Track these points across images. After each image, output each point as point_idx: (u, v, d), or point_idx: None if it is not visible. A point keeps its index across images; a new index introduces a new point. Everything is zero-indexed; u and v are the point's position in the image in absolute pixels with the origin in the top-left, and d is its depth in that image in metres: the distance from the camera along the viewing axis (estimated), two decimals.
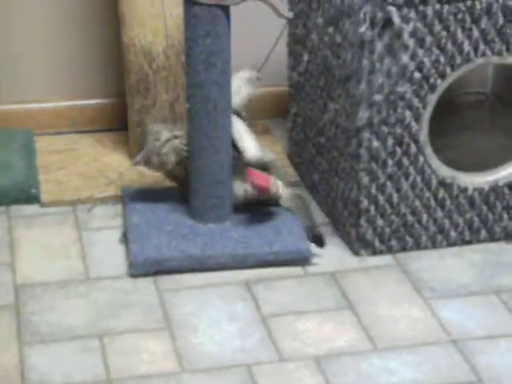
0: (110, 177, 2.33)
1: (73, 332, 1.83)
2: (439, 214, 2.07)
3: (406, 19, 1.91)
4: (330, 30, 2.06)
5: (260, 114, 2.57)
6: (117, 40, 2.38)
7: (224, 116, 2.06)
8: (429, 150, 2.03)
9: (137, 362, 1.77)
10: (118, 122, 2.49)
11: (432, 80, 1.97)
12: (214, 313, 1.89)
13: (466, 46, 1.96)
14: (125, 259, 2.04)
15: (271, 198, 2.08)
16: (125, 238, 2.09)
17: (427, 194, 2.05)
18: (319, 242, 2.07)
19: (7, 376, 1.72)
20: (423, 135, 2.01)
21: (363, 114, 1.97)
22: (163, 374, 1.74)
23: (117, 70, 2.46)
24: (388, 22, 1.91)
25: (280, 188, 2.07)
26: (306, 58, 2.21)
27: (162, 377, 1.73)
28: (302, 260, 2.04)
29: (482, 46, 1.96)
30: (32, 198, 2.23)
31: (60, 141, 2.47)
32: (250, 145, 2.11)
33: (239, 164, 2.08)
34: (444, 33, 1.94)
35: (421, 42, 1.93)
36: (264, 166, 2.08)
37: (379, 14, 1.90)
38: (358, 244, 2.06)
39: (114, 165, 2.38)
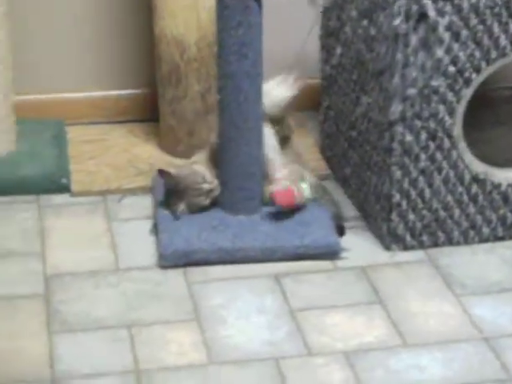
0: (141, 167, 2.33)
1: (101, 322, 1.83)
2: (472, 209, 2.04)
3: (441, 12, 1.89)
4: (364, 22, 2.04)
5: (293, 107, 2.55)
6: (149, 30, 2.38)
7: (255, 107, 2.05)
8: (462, 145, 2.00)
9: (165, 353, 1.76)
10: (150, 113, 2.48)
11: (467, 74, 1.94)
12: (243, 305, 1.89)
13: (503, 41, 1.94)
14: (154, 250, 2.04)
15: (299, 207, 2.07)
16: (155, 229, 2.08)
17: (460, 189, 2.03)
18: (340, 230, 2.06)
19: (36, 365, 1.73)
20: (457, 130, 1.99)
21: (396, 108, 1.95)
22: (191, 366, 1.73)
23: (149, 60, 2.45)
24: (423, 16, 1.88)
25: (304, 192, 2.06)
26: (339, 51, 2.20)
27: (189, 368, 1.73)
28: (332, 254, 2.02)
29: None
30: (62, 188, 2.24)
31: (91, 131, 2.47)
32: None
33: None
34: (480, 26, 1.91)
35: (456, 36, 1.91)
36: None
37: (414, 7, 1.88)
38: (389, 239, 2.04)
39: (145, 156, 2.37)
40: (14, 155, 2.31)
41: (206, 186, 2.05)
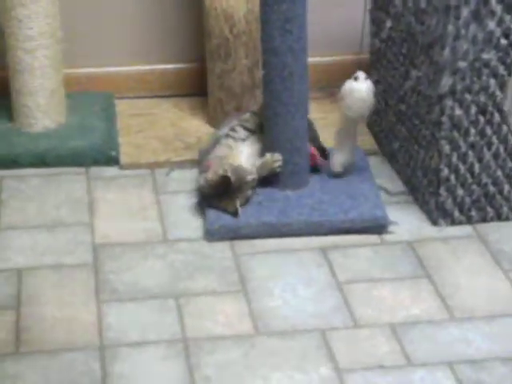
0: (188, 141, 2.34)
1: (149, 292, 1.85)
2: None
3: None
4: None
5: (340, 82, 2.54)
6: (198, 4, 2.38)
7: (300, 82, 2.04)
8: None
9: (212, 323, 1.78)
10: (197, 87, 2.49)
11: None
12: (290, 277, 1.89)
13: None
14: (202, 223, 2.05)
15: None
16: (202, 203, 2.09)
17: (510, 164, 2.01)
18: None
19: (85, 332, 1.75)
20: (508, 104, 1.96)
21: (446, 82, 1.93)
22: (238, 336, 1.74)
23: (197, 34, 2.46)
24: None
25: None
26: (388, 24, 2.18)
27: (236, 338, 1.74)
28: (379, 228, 2.02)
29: None
30: (111, 160, 2.26)
31: (140, 105, 2.49)
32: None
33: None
34: None
35: (508, 8, 1.89)
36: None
37: None
38: (437, 213, 2.03)
39: (192, 130, 2.38)
40: (64, 128, 2.34)
41: (250, 178, 2.04)
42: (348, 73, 2.54)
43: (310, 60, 2.12)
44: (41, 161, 2.25)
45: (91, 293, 1.85)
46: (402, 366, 1.67)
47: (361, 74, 2.08)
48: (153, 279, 1.89)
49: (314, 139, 2.16)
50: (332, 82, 2.53)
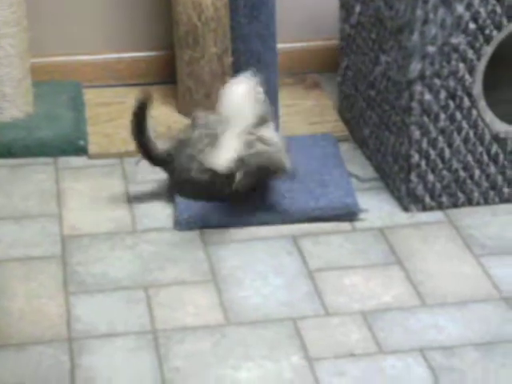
0: (158, 130, 2.31)
1: (118, 283, 1.83)
2: (492, 169, 2.02)
3: None
4: None
5: (310, 68, 2.54)
6: None
7: (269, 70, 2.02)
8: (482, 104, 1.97)
9: (182, 313, 1.76)
10: (167, 76, 2.47)
11: (487, 31, 1.91)
12: (260, 266, 1.88)
13: None
14: (171, 212, 2.03)
15: None
16: (170, 192, 2.07)
17: (480, 149, 2.00)
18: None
19: (53, 325, 1.73)
20: (477, 88, 1.96)
21: (415, 67, 1.92)
22: (208, 327, 1.73)
23: (166, 22, 2.43)
24: None
25: None
26: (358, 9, 2.17)
27: (207, 329, 1.72)
28: (350, 215, 2.01)
29: None
30: (80, 150, 2.23)
31: (108, 93, 2.46)
32: (224, 154, 1.95)
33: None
34: None
35: None
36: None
37: None
38: (408, 199, 2.02)
39: (162, 118, 2.36)
40: (31, 117, 2.31)
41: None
42: (318, 59, 2.54)
43: (280, 46, 2.11)
44: (7, 151, 2.22)
45: (59, 285, 1.83)
46: (373, 354, 1.66)
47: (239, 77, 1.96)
48: (122, 270, 1.87)
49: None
50: (302, 69, 2.52)
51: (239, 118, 1.94)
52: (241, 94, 1.94)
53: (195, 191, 2.01)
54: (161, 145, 2.07)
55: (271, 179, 2.01)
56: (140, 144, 2.04)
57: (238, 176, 1.95)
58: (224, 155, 1.93)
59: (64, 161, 2.22)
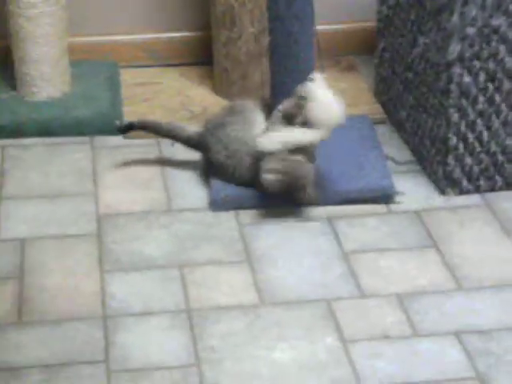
0: (194, 110, 2.31)
1: (153, 262, 1.83)
2: None
3: None
4: None
5: (346, 51, 2.52)
6: None
7: (306, 50, 2.01)
8: None
9: (216, 293, 1.76)
10: (203, 56, 2.46)
11: None
12: (295, 247, 1.87)
13: None
14: (207, 193, 2.03)
15: None
16: (206, 172, 2.07)
17: None
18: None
19: (88, 302, 1.73)
20: None
21: (455, 48, 1.90)
22: (242, 306, 1.72)
23: (202, 2, 2.43)
24: None
25: None
26: None
27: (240, 309, 1.72)
28: (386, 198, 1.99)
29: None
30: (116, 130, 2.23)
31: (144, 73, 2.46)
32: (274, 137, 1.94)
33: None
34: None
35: None
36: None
37: None
38: (445, 183, 2.00)
39: (198, 99, 2.36)
40: (68, 97, 2.31)
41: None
42: (355, 41, 2.52)
43: (317, 28, 2.09)
44: (44, 130, 2.23)
45: (95, 263, 1.83)
46: (408, 337, 1.65)
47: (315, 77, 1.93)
48: (157, 249, 1.87)
49: None
50: (339, 51, 2.50)
51: (326, 121, 1.92)
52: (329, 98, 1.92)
53: (224, 174, 2.01)
54: (191, 127, 2.07)
55: (293, 192, 1.97)
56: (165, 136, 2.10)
57: (264, 167, 1.95)
58: (273, 138, 1.93)
59: (100, 140, 2.22)
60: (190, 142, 2.07)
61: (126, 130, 2.14)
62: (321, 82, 1.94)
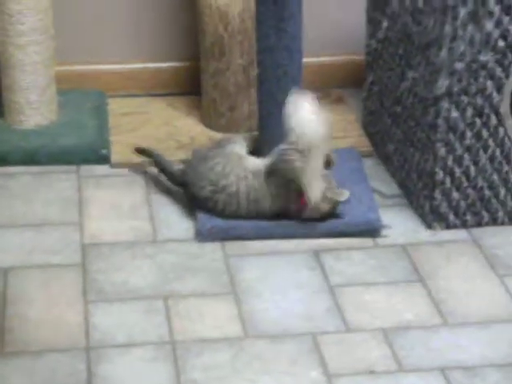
0: (181, 140, 2.31)
1: (138, 292, 1.82)
2: None
3: None
4: None
5: (334, 83, 2.52)
6: (193, 1, 2.36)
7: (294, 82, 2.02)
8: (510, 122, 1.95)
9: (201, 325, 1.75)
10: (191, 86, 2.46)
11: None
12: (281, 280, 1.86)
13: None
14: (193, 223, 2.02)
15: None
16: (191, 203, 2.06)
17: (506, 168, 1.98)
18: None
19: (71, 333, 1.72)
20: (504, 106, 1.94)
21: (443, 83, 1.90)
22: (227, 339, 1.71)
23: (191, 32, 2.43)
24: None
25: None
26: (385, 24, 2.15)
27: (225, 341, 1.71)
28: (372, 231, 1.99)
29: None
30: (102, 159, 2.23)
31: (132, 103, 2.46)
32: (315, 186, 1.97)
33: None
34: None
35: (507, 9, 1.86)
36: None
37: None
38: (432, 217, 2.00)
39: (186, 129, 2.35)
40: (55, 125, 2.31)
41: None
42: (343, 74, 2.53)
43: (305, 60, 2.10)
44: (31, 158, 2.22)
45: (78, 293, 1.82)
46: (394, 372, 1.64)
47: (297, 96, 1.92)
48: (141, 280, 1.86)
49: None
50: (327, 83, 2.51)
51: (316, 144, 1.92)
52: (313, 118, 1.92)
53: (204, 206, 2.00)
54: (176, 165, 2.08)
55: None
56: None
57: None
58: (316, 189, 1.94)
59: (87, 169, 2.21)
60: (174, 179, 2.07)
61: (143, 152, 2.16)
62: (303, 102, 1.93)
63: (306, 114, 1.92)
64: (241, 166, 1.98)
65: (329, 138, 1.95)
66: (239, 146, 2.04)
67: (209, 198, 1.99)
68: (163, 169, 2.11)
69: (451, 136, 1.94)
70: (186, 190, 2.05)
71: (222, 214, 1.98)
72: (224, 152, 2.01)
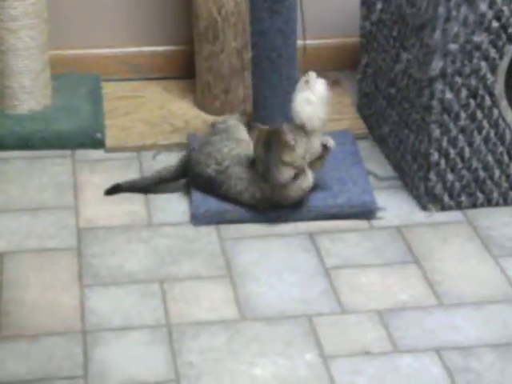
0: (176, 124, 2.30)
1: (133, 276, 1.82)
2: None
3: None
4: None
5: (330, 66, 2.52)
6: None
7: (288, 65, 2.01)
8: (504, 104, 1.95)
9: (197, 308, 1.75)
10: (185, 70, 2.46)
11: (510, 30, 1.89)
12: (276, 263, 1.86)
13: None
14: (188, 207, 2.02)
15: None
16: (187, 187, 2.06)
17: (500, 149, 1.98)
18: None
19: (67, 317, 1.72)
20: (499, 87, 1.94)
21: (437, 64, 1.90)
22: (223, 321, 1.71)
23: (185, 16, 2.42)
24: None
25: None
26: (379, 6, 2.15)
27: (221, 324, 1.71)
28: (367, 213, 1.99)
29: None
30: (97, 143, 2.22)
31: (127, 87, 2.45)
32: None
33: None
34: None
35: None
36: None
37: None
38: (427, 198, 2.00)
39: (180, 112, 2.35)
40: (49, 110, 2.30)
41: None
42: (338, 56, 2.53)
43: (300, 43, 2.09)
44: (25, 143, 2.21)
45: (74, 277, 1.82)
46: (389, 353, 1.65)
47: (311, 76, 1.93)
48: (137, 263, 1.86)
49: None
50: (322, 66, 2.50)
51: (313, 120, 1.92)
52: (313, 98, 1.92)
53: (208, 187, 2.00)
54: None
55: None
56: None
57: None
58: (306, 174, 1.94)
59: (81, 153, 2.21)
60: (178, 171, 2.05)
61: (113, 191, 2.06)
62: (313, 83, 1.92)
63: (309, 96, 1.92)
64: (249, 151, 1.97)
65: (325, 122, 1.94)
66: (241, 130, 2.04)
67: (213, 178, 1.98)
68: (163, 177, 2.05)
69: (446, 117, 1.94)
70: (190, 172, 2.02)
71: (225, 197, 1.98)
72: (233, 136, 2.00)
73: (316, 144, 1.94)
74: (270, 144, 1.91)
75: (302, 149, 1.91)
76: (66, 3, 2.43)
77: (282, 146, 1.89)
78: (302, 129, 1.92)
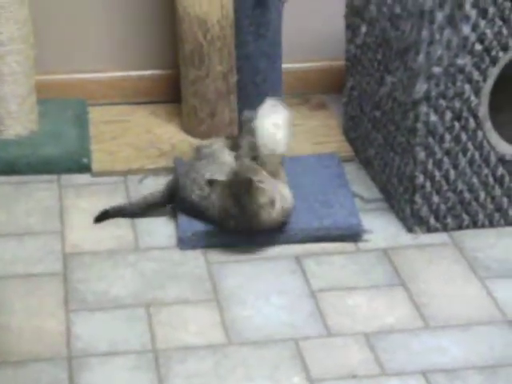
0: (162, 148, 2.31)
1: (119, 301, 1.82)
2: (497, 191, 2.01)
3: None
4: (389, 0, 2.00)
5: (315, 89, 2.53)
6: (172, 10, 2.36)
7: (274, 89, 2.02)
8: (488, 126, 1.97)
9: (183, 332, 1.74)
10: (172, 94, 2.47)
11: (493, 52, 1.90)
12: (263, 286, 1.86)
13: None
14: (174, 231, 2.02)
15: None
16: (174, 211, 2.06)
17: (485, 171, 1.99)
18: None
19: (53, 343, 1.71)
20: (483, 110, 1.95)
21: (421, 87, 1.91)
22: (210, 346, 1.71)
23: (171, 40, 2.43)
24: None
25: None
26: (363, 30, 2.16)
27: (208, 348, 1.70)
28: (354, 236, 1.99)
29: None
30: (83, 168, 2.22)
31: (113, 111, 2.46)
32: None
33: None
34: (508, 3, 1.87)
35: (483, 13, 1.87)
36: None
37: None
38: (413, 221, 2.01)
39: (167, 136, 2.35)
40: (35, 135, 2.30)
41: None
42: (323, 79, 2.54)
43: (285, 66, 2.10)
44: (11, 168, 2.21)
45: (60, 302, 1.81)
46: (376, 376, 1.65)
47: (269, 102, 1.94)
48: (123, 288, 1.85)
49: None
50: (307, 89, 2.52)
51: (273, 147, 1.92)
52: (280, 122, 1.93)
53: (193, 212, 2.00)
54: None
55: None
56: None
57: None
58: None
59: (67, 178, 2.21)
60: (165, 196, 2.05)
61: (102, 218, 2.05)
62: (271, 108, 1.93)
63: (268, 124, 1.92)
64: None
65: (285, 149, 1.95)
66: (225, 154, 2.04)
67: (197, 204, 1.99)
68: (150, 203, 2.06)
69: (430, 140, 1.95)
70: (177, 196, 2.03)
71: (211, 222, 1.98)
72: (218, 161, 2.01)
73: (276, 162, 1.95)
74: (239, 196, 1.91)
75: (267, 178, 1.92)
76: (52, 28, 2.44)
77: (254, 193, 1.90)
78: (257, 154, 1.93)
